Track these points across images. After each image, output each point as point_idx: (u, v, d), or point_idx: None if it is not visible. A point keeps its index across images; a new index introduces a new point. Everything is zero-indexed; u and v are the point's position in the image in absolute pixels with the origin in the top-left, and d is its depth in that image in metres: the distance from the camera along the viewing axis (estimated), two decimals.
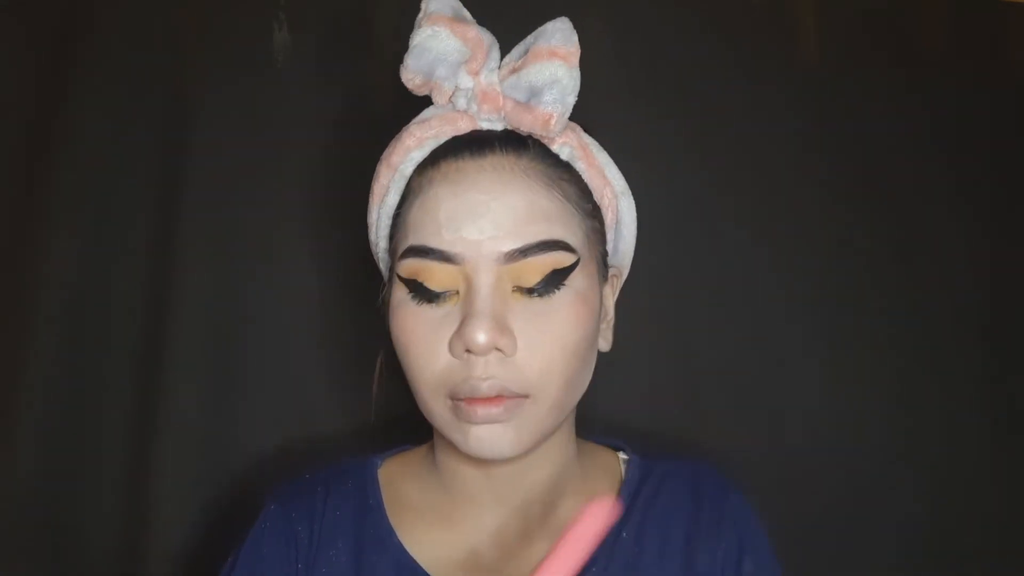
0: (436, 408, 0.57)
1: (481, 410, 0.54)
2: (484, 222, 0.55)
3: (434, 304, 0.56)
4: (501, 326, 0.54)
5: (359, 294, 0.71)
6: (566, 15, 0.58)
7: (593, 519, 0.44)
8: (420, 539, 0.62)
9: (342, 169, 0.79)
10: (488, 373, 0.54)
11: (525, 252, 0.55)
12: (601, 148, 0.63)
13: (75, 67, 0.80)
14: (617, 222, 0.64)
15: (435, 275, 0.56)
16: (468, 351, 0.54)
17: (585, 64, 0.57)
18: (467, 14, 0.60)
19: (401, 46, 0.59)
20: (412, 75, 0.58)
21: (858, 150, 0.91)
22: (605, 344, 0.63)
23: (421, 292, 0.56)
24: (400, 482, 0.65)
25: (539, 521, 0.62)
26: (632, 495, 0.65)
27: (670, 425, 0.84)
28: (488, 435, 0.55)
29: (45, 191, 0.79)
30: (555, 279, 0.56)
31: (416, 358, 0.57)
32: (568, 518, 0.61)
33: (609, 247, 0.64)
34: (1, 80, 0.80)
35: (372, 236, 0.64)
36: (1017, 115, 0.94)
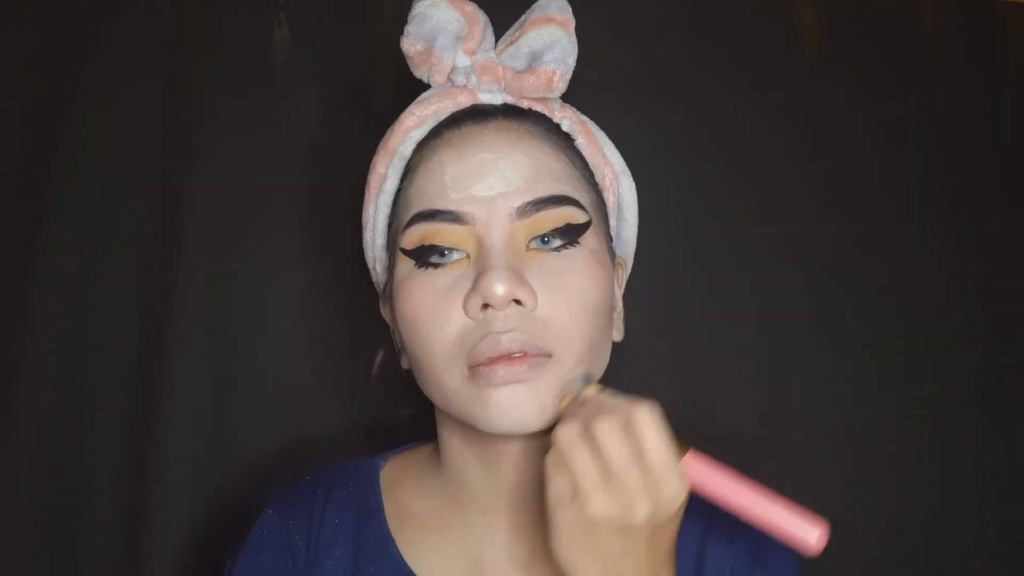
0: (450, 382, 0.54)
1: (503, 369, 0.51)
2: (493, 179, 0.54)
3: (442, 269, 0.54)
4: (519, 277, 0.52)
5: (360, 294, 0.71)
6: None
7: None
8: (420, 548, 0.60)
9: (343, 169, 0.79)
10: (508, 325, 0.51)
11: (537, 205, 0.54)
12: (598, 127, 0.63)
13: (74, 66, 0.80)
14: (619, 205, 0.63)
15: (442, 235, 0.54)
16: (486, 305, 0.52)
17: (581, 64, 0.57)
18: None
19: (400, 41, 0.59)
20: (414, 40, 0.59)
21: (859, 149, 0.91)
22: (617, 334, 0.61)
23: (428, 257, 0.54)
24: (402, 486, 0.64)
25: (545, 529, 0.58)
26: None
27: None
28: (510, 400, 0.52)
29: (45, 191, 0.79)
30: (570, 233, 0.55)
31: (427, 328, 0.54)
32: None
33: (612, 232, 0.62)
34: (1, 80, 0.80)
35: (368, 236, 0.62)
36: (1018, 115, 0.94)
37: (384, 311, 0.64)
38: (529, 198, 0.54)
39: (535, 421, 0.53)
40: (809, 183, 0.90)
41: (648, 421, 0.47)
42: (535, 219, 0.54)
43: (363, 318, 0.66)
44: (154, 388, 0.79)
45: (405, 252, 0.56)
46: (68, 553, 0.77)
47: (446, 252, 0.54)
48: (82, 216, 0.80)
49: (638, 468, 0.47)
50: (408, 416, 0.70)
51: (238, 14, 0.83)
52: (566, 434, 0.48)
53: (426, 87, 0.61)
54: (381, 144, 0.60)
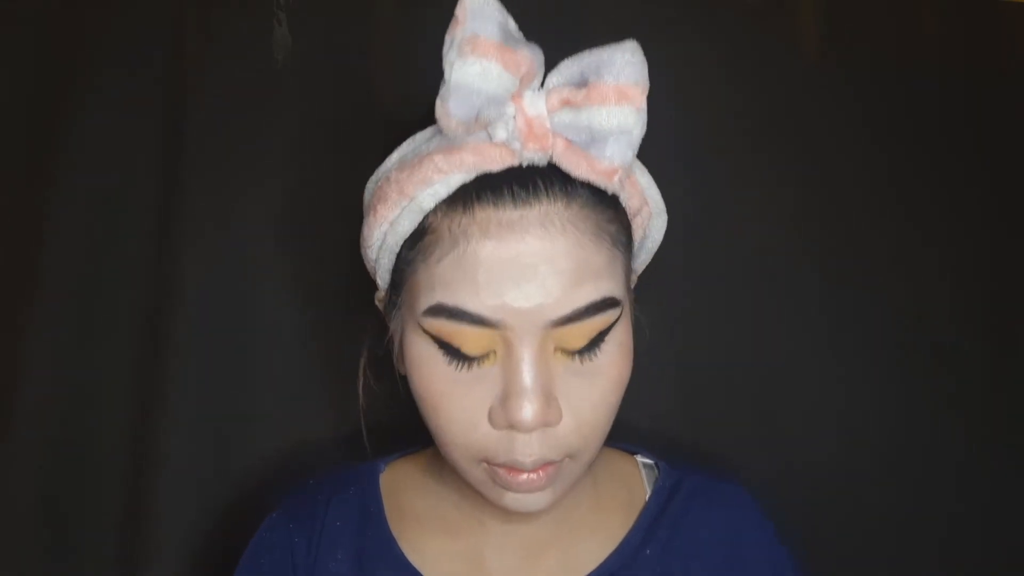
0: (468, 469, 0.54)
1: (524, 480, 0.51)
2: (531, 287, 0.49)
3: (469, 366, 0.51)
4: (548, 399, 0.50)
5: (361, 295, 0.71)
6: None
7: None
8: (423, 549, 0.60)
9: (343, 169, 0.79)
10: (532, 451, 0.50)
11: (574, 318, 0.50)
12: (643, 168, 0.57)
13: (75, 66, 0.80)
14: (644, 237, 0.59)
15: (470, 339, 0.50)
16: (512, 427, 0.50)
17: None
18: (512, 25, 0.50)
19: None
20: (455, 123, 0.48)
21: (861, 150, 0.91)
22: None
23: (454, 354, 0.51)
24: (403, 489, 0.64)
25: (547, 533, 0.60)
26: (661, 507, 0.62)
27: (667, 427, 0.84)
28: (526, 499, 0.53)
29: (45, 191, 0.79)
30: (599, 338, 0.51)
31: (449, 423, 0.52)
32: (576, 529, 0.61)
33: (632, 262, 0.59)
34: (1, 79, 0.80)
35: (370, 253, 0.57)
36: (1020, 115, 0.94)
37: (379, 304, 0.62)
38: (567, 311, 0.49)
39: (545, 508, 0.54)
40: (809, 183, 0.90)
41: None
42: (567, 330, 0.50)
43: (367, 318, 0.66)
44: (153, 389, 0.79)
45: (428, 332, 0.52)
46: (68, 553, 0.77)
47: (474, 359, 0.51)
48: (82, 216, 0.80)
49: None
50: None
51: (238, 14, 0.83)
52: None
53: (434, 73, 0.52)
54: (395, 177, 0.53)
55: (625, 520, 0.62)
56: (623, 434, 0.67)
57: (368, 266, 0.61)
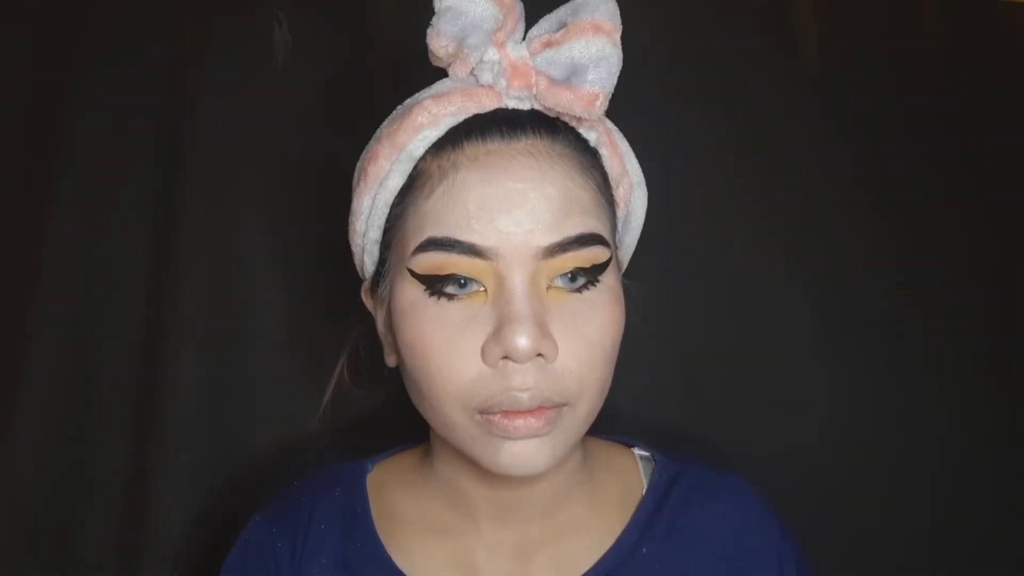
0: (458, 421, 0.51)
1: (522, 423, 0.49)
2: (520, 213, 0.49)
3: (457, 302, 0.50)
4: (543, 329, 0.49)
5: (356, 295, 0.71)
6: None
7: None
8: (411, 552, 0.59)
9: (343, 169, 0.79)
10: (528, 383, 0.49)
11: (564, 247, 0.50)
12: (623, 135, 0.59)
13: (75, 66, 0.80)
14: (627, 215, 0.59)
15: (461, 270, 0.50)
16: (506, 358, 0.49)
17: None
18: None
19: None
20: (446, 42, 0.51)
21: (861, 151, 0.91)
22: None
23: (443, 288, 0.50)
24: (391, 490, 0.62)
25: (539, 531, 0.59)
26: (658, 502, 0.60)
27: (669, 419, 0.83)
28: (524, 451, 0.50)
29: (45, 191, 0.79)
30: (592, 275, 0.51)
31: (439, 367, 0.50)
32: (570, 527, 0.59)
33: (617, 241, 0.59)
34: (1, 80, 0.80)
35: (359, 226, 0.57)
36: (1020, 114, 0.94)
37: (366, 299, 0.62)
38: (558, 238, 0.50)
39: (546, 468, 0.51)
40: (809, 183, 0.90)
41: None
42: (559, 261, 0.50)
43: (357, 315, 0.66)
44: (152, 389, 0.79)
45: (415, 275, 0.51)
46: (67, 554, 0.77)
47: (465, 283, 0.50)
48: (82, 217, 0.80)
49: None
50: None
51: (238, 14, 0.83)
52: None
53: (432, 71, 0.56)
54: (386, 134, 0.55)
55: (621, 516, 0.60)
56: (620, 426, 0.66)
57: (355, 254, 0.60)
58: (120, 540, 0.78)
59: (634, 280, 0.61)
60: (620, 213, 0.58)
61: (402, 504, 0.61)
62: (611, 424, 0.61)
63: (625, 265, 0.64)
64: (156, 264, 0.80)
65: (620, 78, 0.87)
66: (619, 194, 0.57)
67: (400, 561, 0.58)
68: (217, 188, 0.82)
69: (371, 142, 0.57)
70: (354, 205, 0.57)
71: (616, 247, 0.57)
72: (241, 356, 0.81)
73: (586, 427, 0.54)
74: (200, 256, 0.80)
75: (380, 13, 0.85)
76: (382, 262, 0.57)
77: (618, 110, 0.70)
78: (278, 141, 0.82)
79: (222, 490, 0.79)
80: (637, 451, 0.64)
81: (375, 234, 0.57)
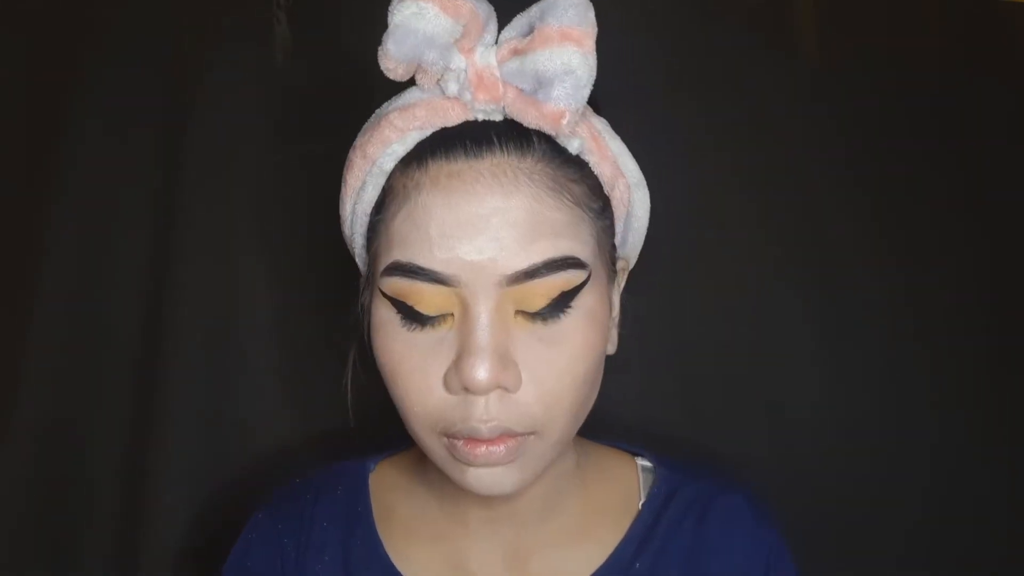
0: (429, 443, 0.51)
1: (483, 451, 0.48)
2: (483, 240, 0.47)
3: (425, 328, 0.49)
4: (504, 361, 0.48)
5: (357, 292, 0.71)
6: None
7: None
8: (409, 553, 0.59)
9: (344, 169, 0.79)
10: (489, 415, 0.48)
11: (530, 274, 0.48)
12: (614, 134, 0.55)
13: (75, 66, 0.80)
14: (628, 215, 0.57)
15: (425, 297, 0.49)
16: (466, 389, 0.48)
17: None
18: None
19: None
20: (393, 64, 0.49)
21: (861, 150, 0.91)
22: (611, 347, 0.56)
23: (410, 315, 0.49)
24: (391, 489, 0.62)
25: (532, 538, 0.59)
26: (655, 515, 0.59)
27: (665, 419, 0.84)
28: (488, 476, 0.49)
29: (45, 191, 0.79)
30: (563, 301, 0.49)
31: (406, 391, 0.50)
32: (563, 534, 0.59)
33: (617, 239, 0.57)
34: (1, 80, 0.80)
35: (346, 231, 0.57)
36: (1020, 115, 0.93)
37: (364, 316, 0.61)
38: (523, 265, 0.47)
39: (513, 489, 0.50)
40: (808, 182, 0.89)
41: None
42: (525, 288, 0.48)
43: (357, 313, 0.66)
44: (153, 389, 0.79)
45: (386, 296, 0.50)
46: (66, 553, 0.77)
47: (429, 319, 0.49)
48: (81, 217, 0.80)
49: None
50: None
51: (238, 14, 0.83)
52: None
53: None
54: (359, 144, 0.54)
55: (617, 528, 0.59)
56: (621, 432, 0.66)
57: (351, 251, 0.59)
58: (120, 540, 0.78)
59: (634, 280, 0.61)
60: (619, 214, 0.57)
61: (401, 505, 0.61)
62: (606, 425, 0.61)
63: (633, 263, 0.63)
64: (156, 264, 0.80)
65: (620, 78, 0.87)
66: (615, 196, 0.55)
67: (398, 561, 0.59)
68: (217, 188, 0.82)
69: (350, 150, 0.56)
70: (340, 210, 0.57)
71: (605, 258, 0.55)
72: (241, 356, 0.81)
73: (559, 452, 0.53)
74: (200, 256, 0.80)
75: (381, 11, 0.85)
76: (368, 266, 0.56)
77: (618, 110, 0.70)
78: (278, 141, 0.82)
79: (222, 490, 0.79)
80: (640, 461, 0.63)
81: (361, 240, 0.56)
